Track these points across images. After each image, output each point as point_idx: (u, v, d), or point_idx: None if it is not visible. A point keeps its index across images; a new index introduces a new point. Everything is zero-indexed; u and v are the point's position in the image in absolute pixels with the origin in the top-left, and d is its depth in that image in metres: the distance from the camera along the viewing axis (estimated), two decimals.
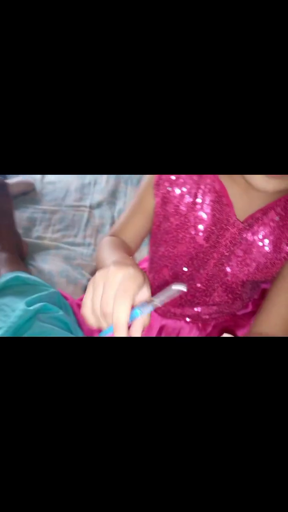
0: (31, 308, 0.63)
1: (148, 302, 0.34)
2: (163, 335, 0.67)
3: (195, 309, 0.64)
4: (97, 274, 0.34)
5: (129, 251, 0.57)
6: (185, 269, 0.59)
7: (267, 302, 0.52)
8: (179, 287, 0.34)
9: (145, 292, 0.34)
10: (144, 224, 0.62)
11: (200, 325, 0.67)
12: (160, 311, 0.68)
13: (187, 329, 0.67)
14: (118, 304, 0.30)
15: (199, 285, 0.60)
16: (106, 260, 0.45)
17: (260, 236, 0.52)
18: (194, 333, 0.67)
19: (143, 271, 0.35)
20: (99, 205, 1.21)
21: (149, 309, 0.34)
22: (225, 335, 0.29)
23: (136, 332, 0.33)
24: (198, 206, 0.53)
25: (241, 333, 0.65)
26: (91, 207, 1.19)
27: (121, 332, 0.29)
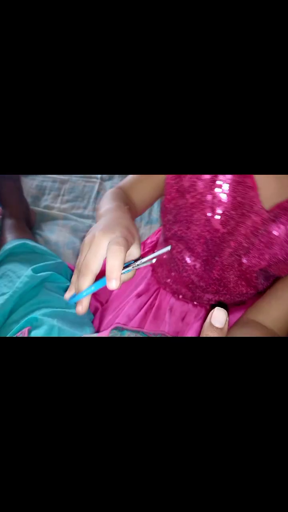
0: (38, 275, 0.61)
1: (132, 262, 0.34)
2: (171, 316, 0.64)
3: (206, 295, 0.61)
4: (85, 238, 0.34)
5: (130, 206, 0.52)
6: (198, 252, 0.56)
7: (271, 293, 0.49)
8: (164, 249, 0.35)
9: (134, 253, 0.35)
10: (150, 191, 0.56)
11: (208, 307, 0.65)
12: (170, 290, 0.65)
13: (194, 312, 0.64)
14: (111, 252, 0.29)
15: (213, 272, 0.56)
16: (101, 210, 0.43)
17: (285, 230, 0.46)
18: (202, 316, 0.64)
19: (133, 231, 0.35)
20: (110, 177, 1.16)
21: (128, 269, 0.33)
22: (217, 308, 0.27)
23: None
24: (218, 183, 0.48)
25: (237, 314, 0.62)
26: (102, 179, 1.15)
27: (116, 281, 0.29)
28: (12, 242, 0.74)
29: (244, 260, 0.51)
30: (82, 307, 0.33)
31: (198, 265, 0.57)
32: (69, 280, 0.74)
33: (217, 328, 0.26)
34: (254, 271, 0.51)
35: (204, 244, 0.53)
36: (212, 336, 0.26)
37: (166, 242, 0.61)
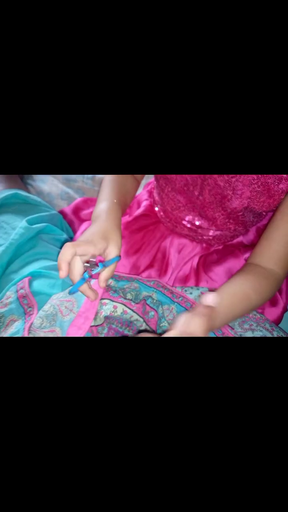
0: (33, 226, 0.60)
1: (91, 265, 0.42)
2: (170, 247, 0.68)
3: (199, 230, 0.64)
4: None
5: (129, 187, 0.58)
6: (181, 197, 0.60)
7: (263, 235, 0.53)
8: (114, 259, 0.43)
9: (112, 252, 0.43)
10: None
11: (204, 245, 0.68)
12: (169, 225, 0.68)
13: (190, 247, 0.68)
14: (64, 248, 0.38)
15: (199, 212, 0.59)
16: (95, 212, 0.49)
17: None
18: (197, 251, 0.67)
19: (111, 235, 0.43)
20: None
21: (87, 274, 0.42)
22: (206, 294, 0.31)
23: (101, 282, 0.42)
24: None
25: (233, 263, 0.65)
26: None
27: (62, 270, 0.38)
28: (3, 192, 0.71)
29: (228, 198, 0.54)
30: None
31: (185, 204, 0.61)
32: (64, 231, 0.72)
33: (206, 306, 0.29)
34: (237, 208, 0.54)
35: (185, 185, 0.56)
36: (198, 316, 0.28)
37: (157, 182, 0.65)
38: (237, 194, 0.52)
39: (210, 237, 0.65)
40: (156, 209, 0.71)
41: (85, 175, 0.97)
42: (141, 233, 0.68)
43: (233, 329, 0.51)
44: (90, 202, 0.86)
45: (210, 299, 0.28)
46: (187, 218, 0.63)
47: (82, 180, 0.97)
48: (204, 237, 0.65)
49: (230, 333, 0.49)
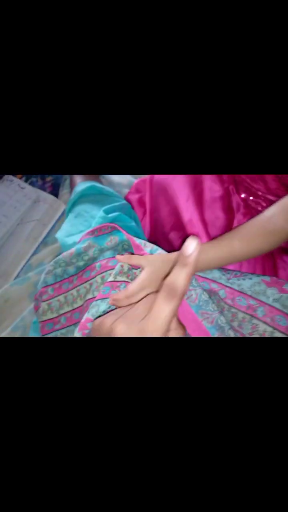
0: (109, 216, 0.69)
1: None
2: None
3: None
4: None
5: None
6: None
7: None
8: None
9: None
10: None
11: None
12: None
13: None
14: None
15: None
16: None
17: None
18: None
19: None
20: None
21: None
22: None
23: None
24: None
25: None
26: None
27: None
28: (82, 184, 0.82)
29: None
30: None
31: None
32: (132, 219, 0.82)
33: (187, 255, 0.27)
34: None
35: None
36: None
37: None
38: None
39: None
40: None
41: None
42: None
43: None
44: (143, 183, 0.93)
45: (188, 247, 0.26)
46: None
47: None
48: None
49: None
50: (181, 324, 0.32)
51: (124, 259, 0.53)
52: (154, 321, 0.27)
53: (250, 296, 0.50)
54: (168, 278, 0.27)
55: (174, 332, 0.31)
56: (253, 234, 0.51)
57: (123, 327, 0.28)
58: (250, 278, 0.52)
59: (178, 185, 0.73)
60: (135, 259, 0.52)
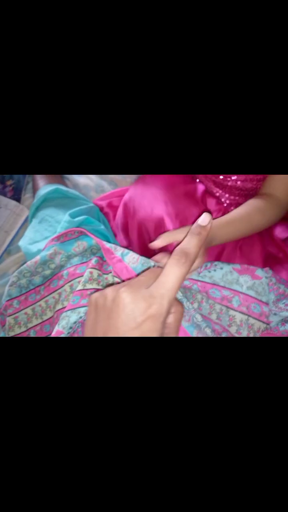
0: (75, 220, 0.66)
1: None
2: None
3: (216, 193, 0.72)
4: None
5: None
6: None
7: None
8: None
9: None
10: None
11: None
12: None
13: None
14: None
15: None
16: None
17: None
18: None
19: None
20: None
21: None
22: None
23: None
24: None
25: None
26: None
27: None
28: (46, 187, 0.77)
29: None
30: None
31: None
32: (101, 222, 0.78)
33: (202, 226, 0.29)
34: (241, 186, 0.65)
35: None
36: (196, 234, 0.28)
37: None
38: None
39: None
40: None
41: None
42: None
43: (267, 305, 0.48)
44: (121, 192, 0.90)
45: (204, 219, 0.29)
46: None
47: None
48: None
49: (264, 311, 0.47)
50: (180, 303, 0.31)
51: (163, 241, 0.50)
52: (163, 285, 0.26)
53: (223, 286, 0.49)
54: (181, 245, 0.28)
55: (175, 309, 0.30)
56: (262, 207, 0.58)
57: (128, 295, 0.26)
58: (221, 268, 0.51)
59: (154, 197, 0.72)
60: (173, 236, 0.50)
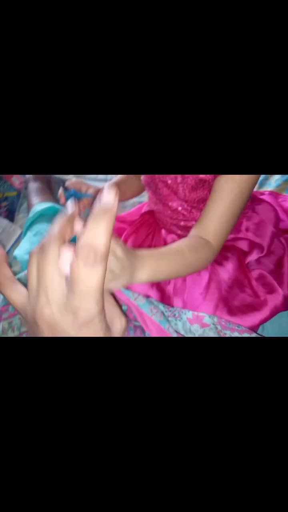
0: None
1: None
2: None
3: (181, 223, 0.68)
4: None
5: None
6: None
7: (203, 210, 0.57)
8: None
9: None
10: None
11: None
12: (166, 229, 0.74)
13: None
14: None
15: (170, 206, 0.66)
16: None
17: None
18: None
19: None
20: None
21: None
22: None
23: None
24: None
25: None
26: None
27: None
28: (42, 204, 0.81)
29: (178, 192, 0.62)
30: None
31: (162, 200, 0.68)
32: None
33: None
34: (191, 198, 0.62)
35: (149, 184, 0.68)
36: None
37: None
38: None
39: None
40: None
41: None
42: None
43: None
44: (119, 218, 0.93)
45: (108, 195, 0.21)
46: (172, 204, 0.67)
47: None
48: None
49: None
50: (123, 316, 0.27)
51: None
52: (81, 298, 0.20)
53: (182, 335, 0.54)
54: (83, 239, 0.20)
55: (119, 321, 0.26)
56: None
57: (50, 312, 0.22)
58: (181, 319, 0.56)
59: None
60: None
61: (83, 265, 0.20)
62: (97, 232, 0.20)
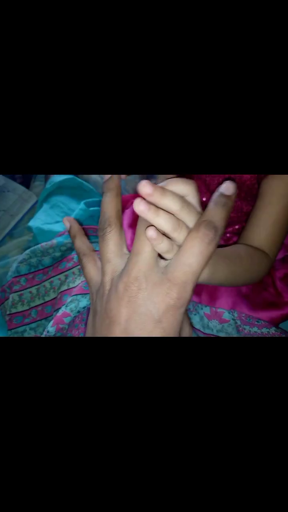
0: (90, 209, 0.66)
1: None
2: None
3: None
4: None
5: None
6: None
7: (249, 219, 0.52)
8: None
9: None
10: None
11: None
12: None
13: None
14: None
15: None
16: None
17: None
18: None
19: None
20: None
21: None
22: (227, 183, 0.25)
23: None
24: None
25: None
26: None
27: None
28: (61, 175, 0.78)
29: None
30: None
31: None
32: None
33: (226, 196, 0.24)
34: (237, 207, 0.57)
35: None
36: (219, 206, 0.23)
37: None
38: None
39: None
40: None
41: None
42: None
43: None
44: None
45: (227, 187, 0.23)
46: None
47: None
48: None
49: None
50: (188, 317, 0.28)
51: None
52: (185, 267, 0.21)
53: (199, 329, 0.52)
54: (205, 215, 0.22)
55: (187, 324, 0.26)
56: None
57: (136, 288, 0.22)
58: (197, 313, 0.54)
59: None
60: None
61: (202, 236, 0.22)
62: (218, 215, 0.22)
